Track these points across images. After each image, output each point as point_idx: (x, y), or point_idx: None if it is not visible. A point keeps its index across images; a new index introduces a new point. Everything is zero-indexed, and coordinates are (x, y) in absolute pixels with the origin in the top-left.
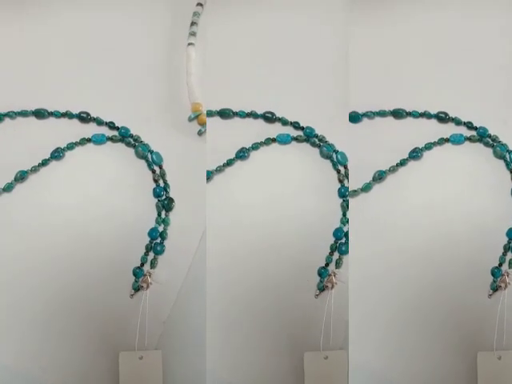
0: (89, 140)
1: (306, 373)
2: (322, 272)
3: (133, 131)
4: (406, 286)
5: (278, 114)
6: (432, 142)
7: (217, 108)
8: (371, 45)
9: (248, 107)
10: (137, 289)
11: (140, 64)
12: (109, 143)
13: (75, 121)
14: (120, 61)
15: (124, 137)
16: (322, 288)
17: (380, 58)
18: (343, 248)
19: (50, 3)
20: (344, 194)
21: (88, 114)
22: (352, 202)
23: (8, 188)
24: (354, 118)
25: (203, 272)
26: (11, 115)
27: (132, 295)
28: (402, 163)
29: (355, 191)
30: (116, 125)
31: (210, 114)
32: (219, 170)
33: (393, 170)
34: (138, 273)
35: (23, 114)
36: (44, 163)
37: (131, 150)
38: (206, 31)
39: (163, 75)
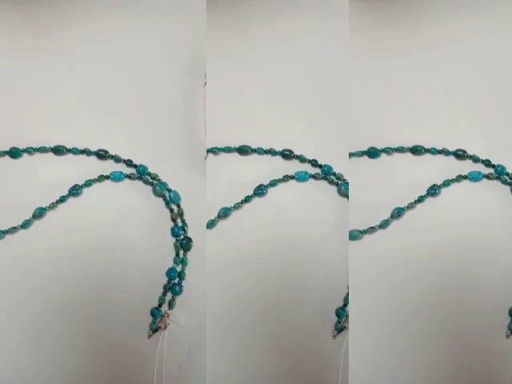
0: (107, 177)
1: None
2: (155, 313)
3: (151, 169)
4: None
5: (296, 152)
6: (450, 179)
7: (235, 145)
8: (386, 80)
9: (264, 144)
10: (154, 330)
11: (158, 103)
12: (127, 181)
13: (93, 158)
14: (138, 99)
15: (142, 175)
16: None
17: (396, 94)
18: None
19: (68, 42)
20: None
21: (106, 152)
22: (368, 238)
23: (26, 225)
24: (373, 153)
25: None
26: (30, 151)
27: (149, 336)
28: (420, 200)
29: (373, 228)
30: (134, 162)
31: (228, 150)
32: (237, 206)
33: (411, 206)
34: (155, 313)
35: (42, 150)
36: (62, 200)
37: (149, 188)
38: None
39: (181, 114)
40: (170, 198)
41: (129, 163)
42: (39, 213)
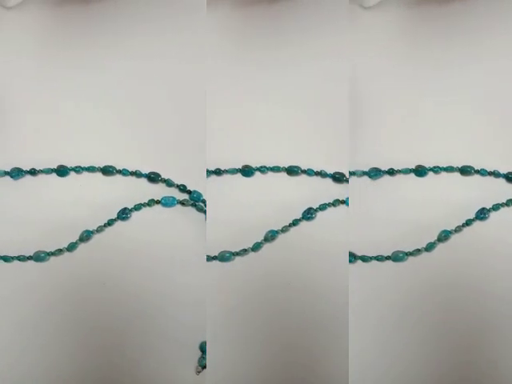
0: (158, 202)
1: None
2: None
3: (205, 196)
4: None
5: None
6: (500, 202)
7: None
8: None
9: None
10: (204, 366)
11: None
12: (179, 207)
13: (144, 180)
14: (196, 124)
15: (196, 201)
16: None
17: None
18: None
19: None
20: None
21: (158, 175)
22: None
23: (71, 248)
24: (420, 172)
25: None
26: (78, 170)
27: (198, 372)
28: (468, 223)
29: (419, 250)
30: (188, 188)
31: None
32: (285, 230)
33: (458, 230)
34: (205, 348)
35: (90, 169)
36: (110, 223)
37: (202, 216)
38: None
39: None
40: None
41: (182, 188)
42: (86, 236)
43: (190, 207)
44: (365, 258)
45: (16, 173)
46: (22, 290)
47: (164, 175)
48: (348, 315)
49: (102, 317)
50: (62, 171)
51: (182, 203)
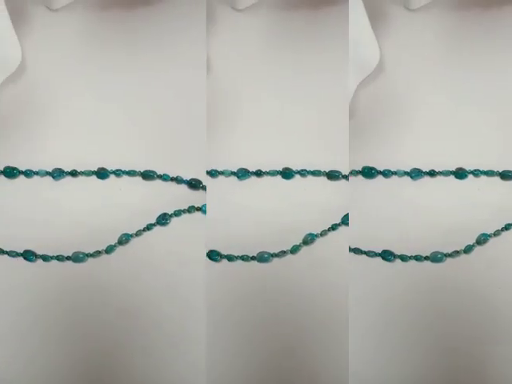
0: (198, 209)
1: None
2: None
3: None
4: None
5: None
6: None
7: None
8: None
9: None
10: None
11: None
12: None
13: (184, 187)
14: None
15: None
16: None
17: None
18: None
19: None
20: None
21: (199, 182)
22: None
23: (109, 250)
24: (460, 175)
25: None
26: (118, 173)
27: None
28: (507, 228)
29: (457, 252)
30: None
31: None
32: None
33: (497, 233)
34: None
35: (131, 173)
36: (149, 228)
37: None
38: None
39: None
40: None
41: None
42: (125, 239)
43: None
44: (404, 258)
45: (57, 173)
46: (60, 290)
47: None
48: (348, 315)
49: (132, 318)
50: (102, 174)
51: None
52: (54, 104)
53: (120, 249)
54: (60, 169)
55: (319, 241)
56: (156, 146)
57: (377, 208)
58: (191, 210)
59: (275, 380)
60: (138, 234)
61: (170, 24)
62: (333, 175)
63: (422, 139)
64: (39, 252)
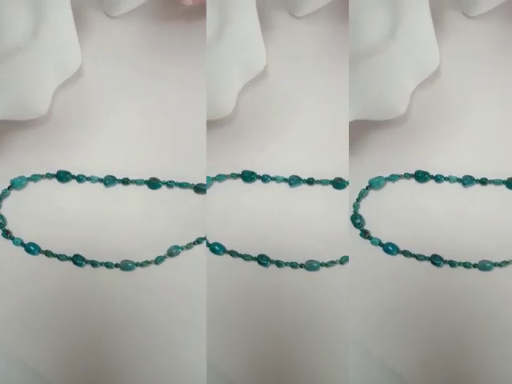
0: None
1: None
2: None
3: None
4: None
5: None
6: None
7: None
8: None
9: None
10: None
11: None
12: None
13: None
14: None
15: None
16: None
17: None
18: None
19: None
20: None
21: None
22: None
23: (158, 261)
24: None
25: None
26: (170, 185)
27: None
28: None
29: (506, 262)
30: None
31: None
32: None
33: None
34: None
35: (184, 185)
36: (199, 241)
37: None
38: None
39: None
40: None
41: None
42: (175, 251)
43: None
44: (453, 263)
45: (109, 180)
46: (106, 296)
47: None
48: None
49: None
50: (154, 184)
51: None
52: (108, 110)
53: (169, 260)
54: (112, 176)
55: None
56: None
57: (426, 211)
58: None
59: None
60: (189, 247)
61: None
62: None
63: (474, 146)
64: (88, 257)
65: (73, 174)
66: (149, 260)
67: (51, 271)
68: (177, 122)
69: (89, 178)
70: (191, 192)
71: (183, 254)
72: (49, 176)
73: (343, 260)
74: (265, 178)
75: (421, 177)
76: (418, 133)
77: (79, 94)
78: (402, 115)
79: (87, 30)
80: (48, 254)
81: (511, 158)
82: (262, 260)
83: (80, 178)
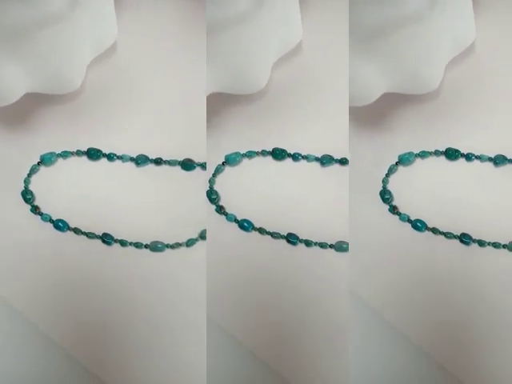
0: None
1: None
2: None
3: None
4: None
5: None
6: None
7: None
8: None
9: None
10: None
11: None
12: None
13: None
14: None
15: None
16: None
17: None
18: None
19: None
20: None
21: None
22: None
23: (190, 244)
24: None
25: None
26: (203, 165)
27: None
28: None
29: None
30: None
31: None
32: None
33: None
34: None
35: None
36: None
37: None
38: None
39: None
40: None
41: None
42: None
43: None
44: (482, 243)
45: (142, 160)
46: (134, 277)
47: None
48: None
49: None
50: (188, 165)
51: None
52: (142, 88)
53: (200, 243)
54: (145, 155)
55: None
56: None
57: (456, 190)
58: None
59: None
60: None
61: None
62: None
63: (507, 125)
64: (117, 237)
65: (104, 152)
66: (180, 242)
67: (79, 249)
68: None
69: (120, 157)
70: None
71: None
72: (79, 153)
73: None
74: (296, 157)
75: (451, 154)
76: (450, 109)
77: (113, 69)
78: (435, 90)
79: (123, 3)
80: (77, 231)
81: None
82: (291, 238)
83: (111, 157)
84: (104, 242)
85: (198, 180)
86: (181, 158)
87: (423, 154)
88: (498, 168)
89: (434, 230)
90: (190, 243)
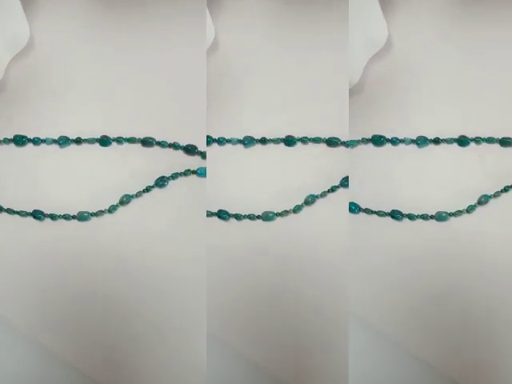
0: (194, 172)
1: None
2: None
3: None
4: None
5: None
6: None
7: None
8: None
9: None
10: None
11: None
12: None
13: (180, 152)
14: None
15: None
16: None
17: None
18: None
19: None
20: None
21: (195, 147)
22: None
23: (112, 210)
24: (463, 142)
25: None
26: (120, 141)
27: None
28: (506, 190)
29: (460, 211)
30: None
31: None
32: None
33: (497, 195)
34: None
35: (131, 140)
36: (148, 190)
37: None
38: None
39: None
40: None
41: None
42: (126, 200)
43: None
44: (411, 216)
45: (63, 141)
46: (66, 246)
47: (201, 149)
48: (348, 270)
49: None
50: (104, 141)
51: None
52: (60, 78)
53: (121, 209)
54: (65, 137)
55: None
56: (154, 115)
57: (385, 173)
58: (187, 173)
59: (278, 339)
60: (138, 195)
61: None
62: (332, 142)
63: (427, 110)
64: (47, 212)
65: (29, 137)
66: (102, 210)
67: (14, 227)
68: (123, 83)
69: (44, 141)
70: (140, 146)
71: (134, 201)
72: (6, 141)
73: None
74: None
75: (377, 140)
76: (373, 101)
77: (31, 65)
78: (359, 84)
79: (35, 4)
80: (9, 211)
81: (460, 118)
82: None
83: (36, 141)
84: (35, 217)
85: (115, 154)
86: (98, 136)
87: (352, 143)
88: (421, 149)
89: (367, 211)
90: (111, 209)
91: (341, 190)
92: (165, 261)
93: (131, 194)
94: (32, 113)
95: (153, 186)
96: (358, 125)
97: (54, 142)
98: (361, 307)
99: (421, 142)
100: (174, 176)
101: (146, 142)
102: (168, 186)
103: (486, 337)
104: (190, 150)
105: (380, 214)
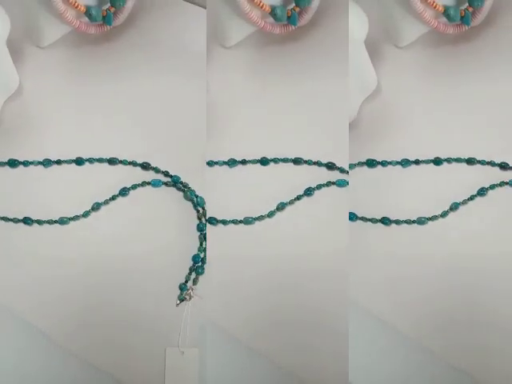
0: (148, 183)
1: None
2: (182, 287)
3: (183, 179)
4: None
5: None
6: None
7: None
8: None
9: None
10: (182, 300)
11: (187, 129)
12: (163, 187)
13: (138, 168)
14: (174, 123)
15: (175, 183)
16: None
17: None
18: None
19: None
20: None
21: (149, 164)
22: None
23: (86, 215)
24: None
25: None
26: (91, 161)
27: (177, 304)
28: (472, 198)
29: (436, 216)
30: (170, 173)
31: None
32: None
33: (465, 202)
34: (182, 287)
35: (100, 160)
36: (113, 198)
37: (181, 194)
38: None
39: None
40: (197, 202)
41: (166, 173)
42: (96, 206)
43: (171, 187)
44: (398, 222)
45: (46, 162)
46: (48, 248)
47: (153, 164)
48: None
49: (105, 267)
50: (79, 161)
51: (166, 184)
52: (44, 115)
53: (93, 214)
54: (48, 159)
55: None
56: (118, 138)
57: (377, 188)
58: (144, 184)
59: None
60: (106, 202)
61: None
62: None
63: (409, 138)
64: (34, 218)
65: (20, 160)
66: (78, 215)
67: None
68: (94, 114)
69: (31, 162)
70: (106, 165)
71: (104, 208)
72: (2, 164)
73: None
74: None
75: (370, 163)
76: (367, 133)
77: (21, 107)
78: (356, 120)
79: (22, 60)
80: (4, 219)
81: (434, 144)
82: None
83: (25, 163)
84: (25, 223)
85: (89, 171)
86: (74, 157)
87: (351, 166)
88: (405, 169)
89: (363, 218)
90: (85, 214)
91: (304, 198)
92: (130, 256)
93: (100, 202)
94: (22, 142)
95: (117, 195)
96: (355, 151)
97: (39, 163)
98: (359, 297)
99: (404, 163)
100: (134, 187)
101: (112, 161)
102: (129, 195)
103: (477, 322)
104: (146, 166)
105: (373, 220)
